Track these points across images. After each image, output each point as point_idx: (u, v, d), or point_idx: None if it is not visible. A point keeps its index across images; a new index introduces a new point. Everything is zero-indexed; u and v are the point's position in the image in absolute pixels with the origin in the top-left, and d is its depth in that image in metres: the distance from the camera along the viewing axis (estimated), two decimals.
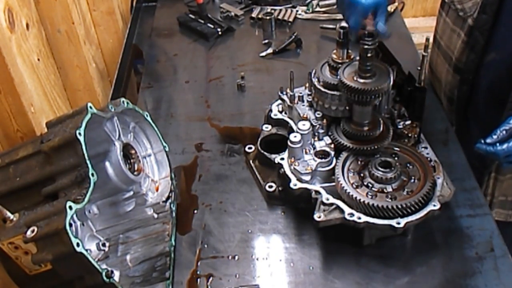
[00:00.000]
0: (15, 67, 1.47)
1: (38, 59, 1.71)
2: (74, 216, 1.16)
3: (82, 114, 1.22)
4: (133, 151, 1.46)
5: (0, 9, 1.43)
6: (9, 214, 1.18)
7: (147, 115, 1.49)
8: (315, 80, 1.56)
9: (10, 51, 1.46)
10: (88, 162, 1.16)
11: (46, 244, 1.10)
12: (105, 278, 1.13)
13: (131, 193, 1.44)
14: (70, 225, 1.08)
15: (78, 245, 1.08)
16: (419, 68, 1.45)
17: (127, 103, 1.39)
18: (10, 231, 1.16)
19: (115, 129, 1.38)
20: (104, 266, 1.17)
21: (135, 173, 1.43)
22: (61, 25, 1.92)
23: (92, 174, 1.16)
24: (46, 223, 1.10)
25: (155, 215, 1.47)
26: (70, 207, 1.09)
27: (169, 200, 1.50)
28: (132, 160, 1.45)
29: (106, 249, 1.30)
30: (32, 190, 1.21)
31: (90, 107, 1.23)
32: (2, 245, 1.17)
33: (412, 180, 1.39)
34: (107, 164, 1.34)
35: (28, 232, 1.10)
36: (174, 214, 1.48)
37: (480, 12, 1.60)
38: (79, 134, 1.16)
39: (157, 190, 1.52)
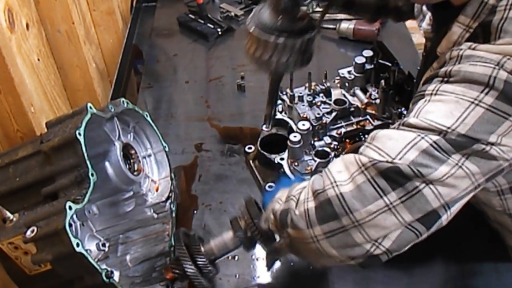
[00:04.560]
0: (15, 67, 1.47)
1: (38, 59, 1.71)
2: (74, 216, 1.16)
3: (82, 114, 1.21)
4: (133, 151, 1.45)
5: (0, 9, 1.43)
6: (9, 214, 1.18)
7: (147, 115, 1.49)
8: (250, 26, 1.30)
9: (10, 51, 1.46)
10: (88, 162, 1.16)
11: (45, 244, 1.10)
12: (105, 278, 1.12)
13: (131, 193, 1.44)
14: (70, 225, 1.08)
15: (78, 245, 1.07)
16: (419, 68, 1.45)
17: (127, 103, 1.39)
18: (10, 231, 1.16)
19: (115, 129, 1.38)
20: (103, 266, 1.17)
21: (135, 173, 1.43)
22: (61, 25, 1.92)
23: (92, 174, 1.16)
24: (45, 223, 1.10)
25: (155, 215, 1.47)
26: (70, 207, 1.09)
27: (169, 200, 1.50)
28: (132, 160, 1.45)
29: (106, 249, 1.30)
30: (32, 190, 1.21)
31: (90, 107, 1.23)
32: (1, 245, 1.17)
33: None
34: (107, 164, 1.34)
35: (28, 232, 1.10)
36: (174, 214, 1.48)
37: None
38: (79, 134, 1.16)
39: (157, 190, 1.52)
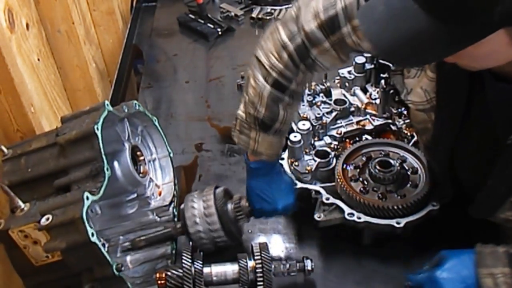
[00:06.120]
0: (15, 67, 1.47)
1: (38, 59, 1.71)
2: None
3: (99, 111, 1.23)
4: (139, 154, 1.46)
5: (0, 9, 1.43)
6: (20, 203, 1.19)
7: (155, 120, 1.50)
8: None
9: (10, 51, 1.46)
10: (103, 156, 1.17)
11: (60, 233, 1.10)
12: (115, 271, 1.13)
13: (135, 195, 1.45)
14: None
15: (93, 235, 1.08)
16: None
17: (139, 105, 1.40)
18: (21, 219, 1.17)
19: (125, 131, 1.39)
20: None
21: (141, 175, 1.44)
22: (61, 25, 1.92)
23: (107, 169, 1.17)
24: (61, 212, 1.11)
25: (157, 219, 1.47)
26: (87, 198, 1.10)
27: (172, 205, 1.50)
28: (138, 163, 1.45)
29: (106, 249, 1.30)
30: (44, 182, 1.22)
31: (107, 105, 1.25)
32: (12, 233, 1.17)
33: (410, 184, 1.39)
34: (115, 164, 1.34)
35: (43, 220, 1.11)
36: (176, 219, 1.48)
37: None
38: (97, 128, 1.18)
39: (159, 194, 1.53)
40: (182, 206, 1.40)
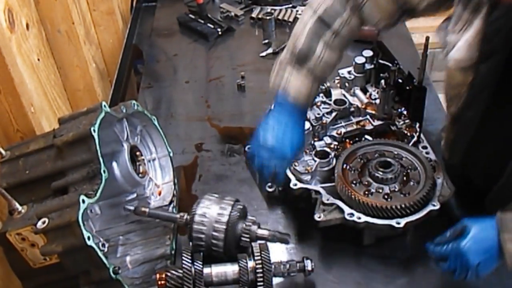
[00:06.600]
0: (15, 67, 1.47)
1: (38, 59, 1.71)
2: None
3: (96, 112, 1.23)
4: (138, 154, 1.46)
5: (0, 9, 1.43)
6: (17, 205, 1.19)
7: (154, 119, 1.50)
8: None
9: (10, 51, 1.46)
10: (100, 158, 1.17)
11: (56, 236, 1.10)
12: (112, 274, 1.13)
13: (134, 195, 1.45)
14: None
15: (89, 238, 1.08)
16: (419, 68, 1.45)
17: (137, 105, 1.40)
18: (19, 222, 1.17)
19: (124, 131, 1.39)
20: None
21: (140, 175, 1.44)
22: (61, 25, 1.92)
23: (104, 171, 1.17)
24: (58, 215, 1.11)
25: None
26: (83, 201, 1.10)
27: (172, 205, 1.50)
28: (137, 163, 1.45)
29: (105, 249, 1.30)
30: (41, 184, 1.22)
31: (104, 106, 1.24)
32: (9, 236, 1.17)
33: (412, 183, 1.39)
34: (114, 164, 1.35)
35: (39, 223, 1.11)
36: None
37: None
38: (94, 130, 1.17)
39: (159, 194, 1.53)
40: (196, 202, 1.40)
